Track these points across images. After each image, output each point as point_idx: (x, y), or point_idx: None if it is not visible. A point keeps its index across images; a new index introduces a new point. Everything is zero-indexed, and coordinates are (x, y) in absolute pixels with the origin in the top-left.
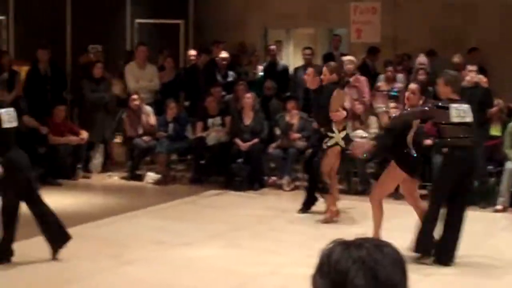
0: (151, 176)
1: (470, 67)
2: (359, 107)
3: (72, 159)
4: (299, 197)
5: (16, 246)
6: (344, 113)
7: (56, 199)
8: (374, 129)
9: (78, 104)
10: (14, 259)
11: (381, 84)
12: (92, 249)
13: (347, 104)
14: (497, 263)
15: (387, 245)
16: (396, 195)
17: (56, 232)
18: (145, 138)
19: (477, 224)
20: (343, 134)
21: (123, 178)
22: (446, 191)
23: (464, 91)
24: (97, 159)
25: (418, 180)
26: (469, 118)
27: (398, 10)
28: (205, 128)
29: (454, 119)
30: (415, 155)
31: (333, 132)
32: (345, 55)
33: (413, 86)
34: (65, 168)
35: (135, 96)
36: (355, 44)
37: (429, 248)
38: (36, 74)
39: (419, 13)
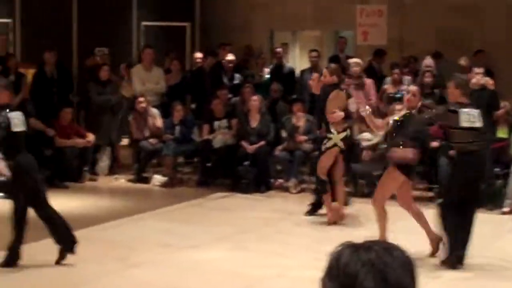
0: (157, 178)
1: (476, 69)
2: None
3: (78, 161)
4: (306, 199)
5: (23, 248)
6: (341, 114)
7: (62, 202)
8: (381, 132)
9: (84, 107)
10: (20, 262)
11: (388, 86)
12: (98, 252)
13: (353, 107)
14: (505, 265)
15: (396, 247)
16: None
17: (64, 234)
18: (152, 140)
19: (484, 226)
20: (342, 135)
21: (129, 180)
22: (456, 197)
23: (470, 93)
24: (104, 162)
25: (413, 182)
26: (478, 123)
27: (404, 12)
28: (212, 130)
29: (464, 123)
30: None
31: (331, 133)
32: (351, 57)
33: (413, 88)
34: (72, 170)
35: (141, 99)
36: (362, 47)
37: (462, 255)
38: (42, 77)
39: (425, 15)
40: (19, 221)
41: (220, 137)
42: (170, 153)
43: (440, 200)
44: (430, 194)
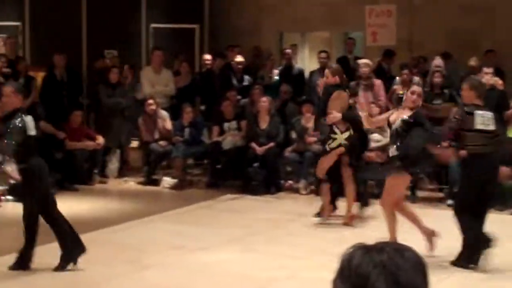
0: (167, 181)
1: (486, 69)
2: (375, 110)
3: (88, 164)
4: (316, 201)
5: (34, 252)
6: (338, 115)
7: (72, 204)
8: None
9: (94, 109)
10: (31, 265)
11: (397, 87)
12: (108, 254)
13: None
14: None
15: (408, 248)
16: (412, 197)
17: (71, 242)
18: (162, 143)
19: (494, 227)
20: (346, 135)
21: (139, 183)
22: (469, 199)
23: None
24: (114, 164)
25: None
26: (492, 126)
27: (413, 12)
28: (221, 132)
29: (478, 126)
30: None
31: (335, 133)
32: (359, 58)
33: (418, 88)
34: (82, 173)
35: (151, 101)
36: (371, 47)
37: (474, 256)
38: (52, 80)
39: (434, 16)
40: (31, 225)
41: (230, 138)
42: (179, 155)
43: (449, 201)
44: (441, 194)
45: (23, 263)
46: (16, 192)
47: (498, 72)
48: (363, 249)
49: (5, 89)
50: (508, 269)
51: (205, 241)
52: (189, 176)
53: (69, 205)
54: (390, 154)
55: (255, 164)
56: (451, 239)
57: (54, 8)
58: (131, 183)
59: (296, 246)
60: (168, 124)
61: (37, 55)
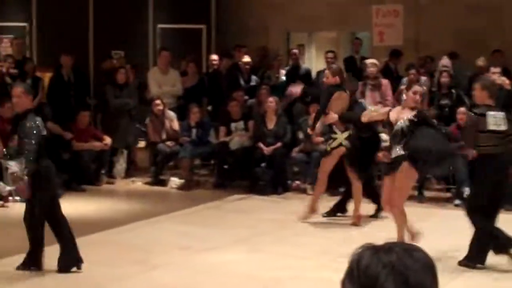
0: (174, 181)
1: (493, 69)
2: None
3: (95, 164)
4: (323, 201)
5: (44, 253)
6: (335, 116)
7: (80, 205)
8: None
9: (101, 110)
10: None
11: (404, 87)
12: (116, 255)
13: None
14: None
15: (417, 249)
16: (419, 198)
17: (65, 253)
18: (169, 143)
19: (504, 227)
20: (346, 134)
21: (146, 183)
22: (483, 200)
23: None
24: (121, 165)
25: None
26: (503, 126)
27: (420, 12)
28: (228, 132)
29: (491, 126)
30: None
31: (335, 133)
32: (366, 58)
33: (419, 88)
34: (89, 174)
35: (158, 101)
36: (378, 47)
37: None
38: (59, 80)
39: (441, 15)
40: (34, 226)
41: (237, 139)
42: (187, 155)
43: (457, 201)
44: (448, 194)
45: (31, 263)
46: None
47: (505, 72)
48: (372, 250)
49: (15, 90)
50: None
51: (212, 241)
52: (196, 176)
53: (76, 206)
54: (394, 155)
55: (262, 165)
56: (458, 239)
57: (61, 9)
58: (138, 184)
59: (303, 246)
60: (176, 125)
61: (44, 55)
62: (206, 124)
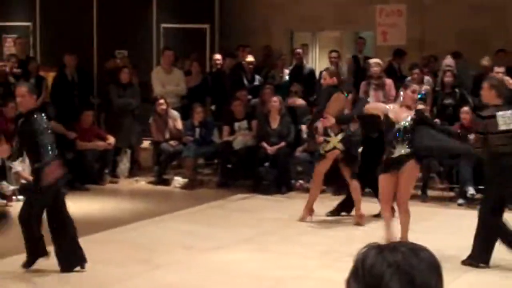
0: (178, 180)
1: (497, 69)
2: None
3: (99, 164)
4: (327, 200)
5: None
6: (332, 120)
7: (83, 205)
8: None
9: (105, 109)
10: (41, 265)
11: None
12: (120, 254)
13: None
14: None
15: (422, 248)
16: (423, 197)
17: (69, 252)
18: (172, 142)
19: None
20: (340, 137)
21: (150, 182)
22: (496, 200)
23: None
24: (124, 164)
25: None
26: None
27: (423, 12)
28: (232, 132)
29: (502, 127)
30: None
31: (329, 136)
32: (369, 58)
33: (417, 87)
34: (93, 173)
35: (161, 101)
36: (381, 47)
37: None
38: (63, 80)
39: (445, 15)
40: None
41: (240, 138)
42: (190, 155)
43: (460, 201)
44: (451, 194)
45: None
46: (28, 192)
47: (509, 71)
48: (377, 249)
49: (19, 89)
50: None
51: (216, 240)
52: (199, 175)
53: (79, 205)
54: (397, 153)
55: (266, 164)
56: (462, 238)
57: (65, 9)
58: (142, 183)
59: (307, 245)
60: (179, 124)
61: (48, 55)
62: (209, 123)
